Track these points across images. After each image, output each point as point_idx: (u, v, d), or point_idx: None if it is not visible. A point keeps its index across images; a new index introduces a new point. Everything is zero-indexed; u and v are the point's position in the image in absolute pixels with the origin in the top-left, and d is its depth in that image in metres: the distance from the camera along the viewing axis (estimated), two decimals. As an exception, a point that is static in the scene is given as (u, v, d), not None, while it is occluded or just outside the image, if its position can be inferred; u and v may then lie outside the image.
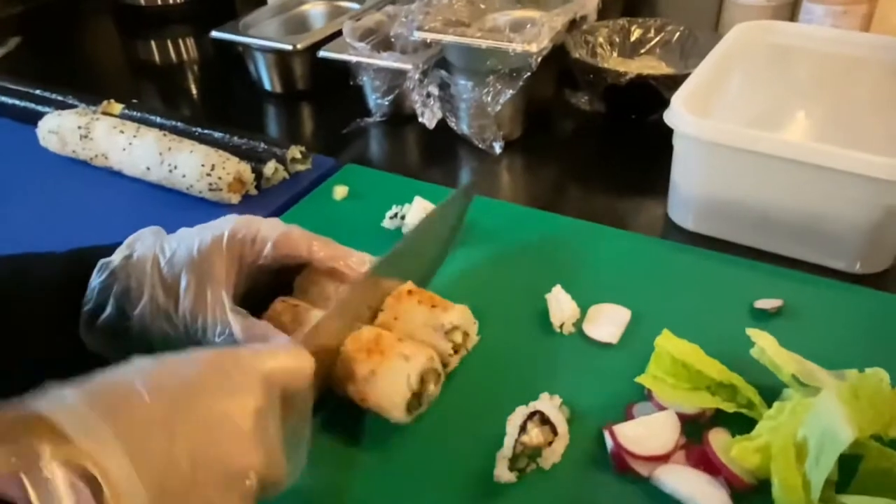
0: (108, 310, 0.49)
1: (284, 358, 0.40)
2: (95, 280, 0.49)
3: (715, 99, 0.73)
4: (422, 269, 0.58)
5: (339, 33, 0.90)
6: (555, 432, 0.47)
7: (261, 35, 0.97)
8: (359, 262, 0.53)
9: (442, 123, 0.85)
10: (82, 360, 0.48)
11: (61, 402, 0.32)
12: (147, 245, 0.51)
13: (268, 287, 0.54)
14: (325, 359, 0.47)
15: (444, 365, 0.51)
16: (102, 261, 0.50)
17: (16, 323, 0.49)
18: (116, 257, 0.50)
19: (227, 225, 0.52)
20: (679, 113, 0.65)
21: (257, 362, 0.38)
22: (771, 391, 0.49)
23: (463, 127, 0.84)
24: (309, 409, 0.41)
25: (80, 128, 0.79)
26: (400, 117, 0.90)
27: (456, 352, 0.52)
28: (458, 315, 0.52)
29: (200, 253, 0.50)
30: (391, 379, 0.47)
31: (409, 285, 0.54)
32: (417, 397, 0.48)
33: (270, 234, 0.52)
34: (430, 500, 0.45)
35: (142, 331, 0.50)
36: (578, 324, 0.57)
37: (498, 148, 0.83)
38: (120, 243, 0.52)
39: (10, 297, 0.49)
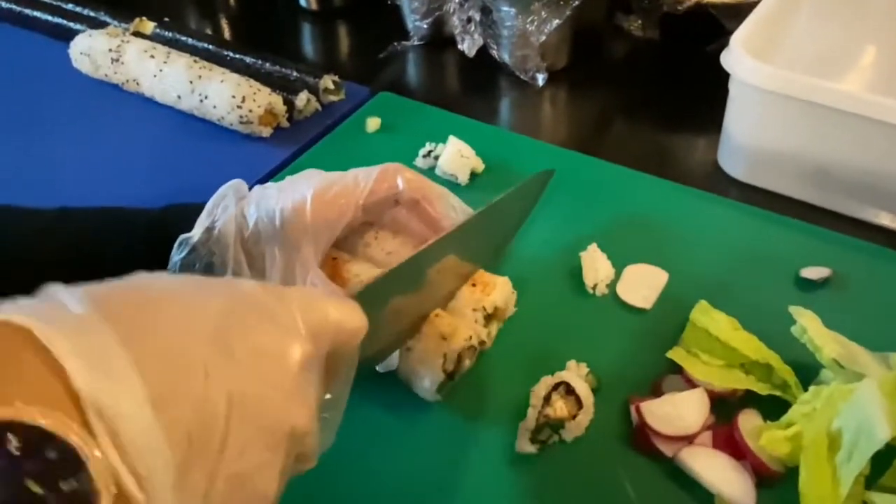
0: None
1: (338, 310, 0.32)
2: (176, 256, 0.46)
3: (780, 36, 0.67)
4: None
5: (377, -54, 0.85)
6: (580, 405, 0.46)
7: (295, -54, 0.91)
8: (440, 202, 0.49)
9: (482, 50, 0.80)
10: None
11: (58, 310, 0.24)
12: (228, 214, 0.47)
13: None
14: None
15: (481, 343, 0.50)
16: (182, 237, 0.46)
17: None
18: (196, 231, 0.46)
19: (308, 186, 0.47)
20: (738, 55, 0.60)
21: (308, 307, 0.30)
22: (808, 370, 0.47)
23: (504, 56, 0.79)
24: (352, 376, 0.35)
25: (111, 50, 0.77)
26: (439, 41, 0.85)
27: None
28: (501, 295, 0.51)
29: (284, 224, 0.46)
30: (426, 357, 0.46)
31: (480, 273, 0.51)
32: (451, 376, 0.47)
33: (364, 182, 0.47)
34: (451, 469, 0.46)
35: None
36: (612, 285, 0.55)
37: (541, 80, 0.78)
38: (204, 203, 0.48)
39: (94, 254, 0.47)
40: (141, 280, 0.28)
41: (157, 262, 0.47)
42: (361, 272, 0.50)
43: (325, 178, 0.48)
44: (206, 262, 0.46)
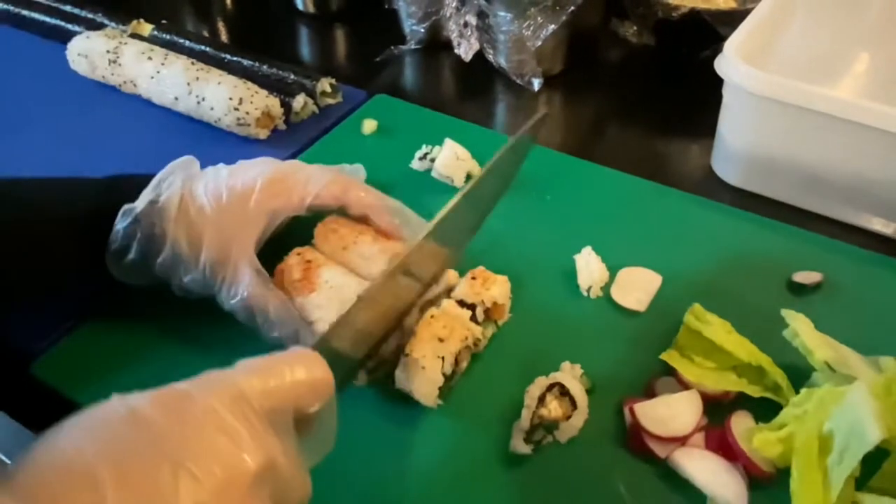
0: (132, 254, 0.49)
1: (295, 373, 0.33)
2: (119, 224, 0.48)
3: (773, 42, 0.68)
4: (468, 233, 0.54)
5: (374, -49, 0.85)
6: (574, 406, 0.46)
7: (293, -50, 0.92)
8: (389, 216, 0.51)
9: (479, 55, 0.81)
10: (109, 284, 0.50)
11: None
12: (174, 189, 0.49)
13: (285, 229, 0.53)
14: (366, 338, 0.44)
15: (476, 342, 0.50)
16: (126, 206, 0.48)
17: (46, 246, 0.49)
18: (141, 203, 0.49)
19: (259, 173, 0.49)
20: (731, 61, 0.60)
21: (255, 396, 0.31)
22: (800, 373, 0.48)
23: (500, 60, 0.80)
24: (335, 411, 0.36)
25: (108, 52, 0.77)
26: (436, 45, 0.86)
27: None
28: (500, 291, 0.51)
29: (230, 204, 0.47)
30: (423, 363, 0.45)
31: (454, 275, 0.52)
32: (449, 380, 0.47)
33: (315, 186, 0.50)
34: (446, 470, 0.46)
35: (164, 276, 0.49)
36: (606, 287, 0.56)
37: (536, 85, 0.79)
38: (154, 175, 0.50)
39: (39, 220, 0.49)
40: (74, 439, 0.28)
41: (100, 229, 0.48)
42: (332, 278, 0.50)
43: (278, 169, 0.50)
44: (147, 234, 0.48)
